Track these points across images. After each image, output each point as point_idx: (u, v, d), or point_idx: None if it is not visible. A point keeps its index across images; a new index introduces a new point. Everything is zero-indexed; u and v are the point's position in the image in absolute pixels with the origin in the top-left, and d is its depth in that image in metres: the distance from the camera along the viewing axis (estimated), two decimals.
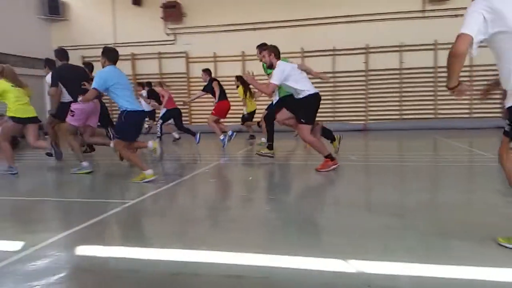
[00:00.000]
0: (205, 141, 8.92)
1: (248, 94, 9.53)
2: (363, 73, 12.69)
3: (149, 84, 11.11)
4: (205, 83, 8.99)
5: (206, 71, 9.05)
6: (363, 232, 2.84)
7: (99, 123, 6.67)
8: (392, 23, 12.18)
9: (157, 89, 10.18)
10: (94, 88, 4.95)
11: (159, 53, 13.92)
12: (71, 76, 5.95)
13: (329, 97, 12.50)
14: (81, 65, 7.32)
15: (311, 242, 2.74)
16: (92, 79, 5.43)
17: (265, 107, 7.91)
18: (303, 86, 5.47)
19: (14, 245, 2.73)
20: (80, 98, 5.46)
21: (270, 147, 6.54)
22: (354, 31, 12.39)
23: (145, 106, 9.68)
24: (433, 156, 7.11)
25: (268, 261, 2.36)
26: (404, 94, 12.54)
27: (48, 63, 7.23)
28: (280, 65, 5.47)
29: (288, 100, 5.93)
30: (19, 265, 2.41)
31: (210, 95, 9.03)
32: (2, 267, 2.35)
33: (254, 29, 13.08)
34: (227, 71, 13.21)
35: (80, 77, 5.83)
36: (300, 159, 7.22)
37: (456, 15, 11.21)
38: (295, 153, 7.96)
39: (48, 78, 6.67)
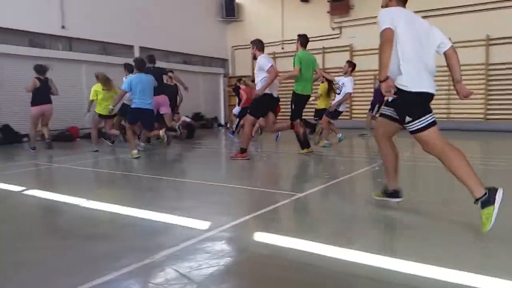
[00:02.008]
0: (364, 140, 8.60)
1: (328, 92, 8.97)
2: None
3: (239, 80, 11.63)
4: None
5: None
6: None
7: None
8: None
9: (242, 87, 10.86)
10: (122, 89, 7.10)
11: (323, 48, 13.99)
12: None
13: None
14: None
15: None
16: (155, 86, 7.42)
17: None
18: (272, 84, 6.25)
19: (203, 224, 3.03)
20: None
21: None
22: None
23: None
24: None
25: (454, 278, 2.07)
26: None
27: (127, 67, 8.37)
28: (262, 56, 6.44)
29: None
30: (208, 243, 2.65)
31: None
32: (195, 243, 2.63)
33: (429, 16, 12.00)
34: None
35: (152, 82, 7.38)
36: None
37: None
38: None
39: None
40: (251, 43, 6.75)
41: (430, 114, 2.95)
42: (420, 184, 4.97)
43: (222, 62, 16.49)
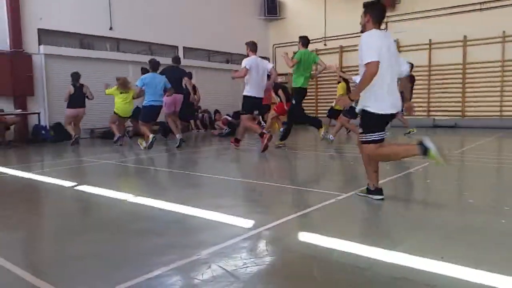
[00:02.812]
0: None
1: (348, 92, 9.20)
2: None
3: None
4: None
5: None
6: None
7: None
8: None
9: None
10: (136, 85, 7.94)
11: None
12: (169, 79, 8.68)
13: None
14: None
15: None
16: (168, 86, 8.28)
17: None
18: (249, 87, 7.20)
19: (247, 223, 3.05)
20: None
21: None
22: None
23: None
24: None
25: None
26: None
27: (143, 71, 9.01)
28: (249, 58, 7.22)
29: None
30: (253, 242, 2.67)
31: None
32: (239, 242, 2.64)
33: (481, 9, 11.42)
34: (444, 59, 12.03)
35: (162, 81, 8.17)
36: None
37: None
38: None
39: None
40: (245, 44, 7.49)
41: (379, 133, 3.53)
42: (469, 185, 4.74)
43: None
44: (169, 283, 2.08)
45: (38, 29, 10.16)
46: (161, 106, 8.18)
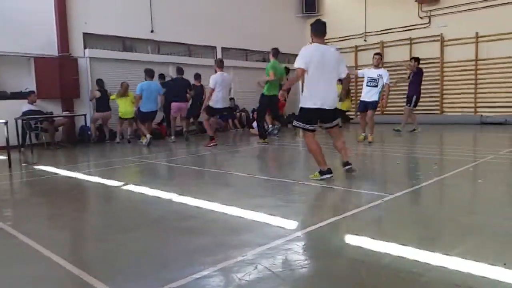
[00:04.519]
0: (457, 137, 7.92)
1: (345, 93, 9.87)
2: None
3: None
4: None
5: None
6: None
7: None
8: None
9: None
10: (137, 94, 9.20)
11: (410, 39, 13.21)
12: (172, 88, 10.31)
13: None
14: None
15: None
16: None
17: None
18: (215, 100, 8.35)
19: (290, 224, 3.00)
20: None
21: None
22: None
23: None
24: None
25: None
26: None
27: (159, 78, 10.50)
28: (216, 74, 8.34)
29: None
30: (298, 243, 2.61)
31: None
32: (284, 243, 2.59)
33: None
34: (494, 52, 11.42)
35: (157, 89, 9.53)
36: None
37: None
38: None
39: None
40: (215, 61, 8.79)
41: (308, 124, 4.48)
42: None
43: None
44: (216, 283, 2.07)
45: (83, 33, 10.54)
46: (155, 111, 9.49)
